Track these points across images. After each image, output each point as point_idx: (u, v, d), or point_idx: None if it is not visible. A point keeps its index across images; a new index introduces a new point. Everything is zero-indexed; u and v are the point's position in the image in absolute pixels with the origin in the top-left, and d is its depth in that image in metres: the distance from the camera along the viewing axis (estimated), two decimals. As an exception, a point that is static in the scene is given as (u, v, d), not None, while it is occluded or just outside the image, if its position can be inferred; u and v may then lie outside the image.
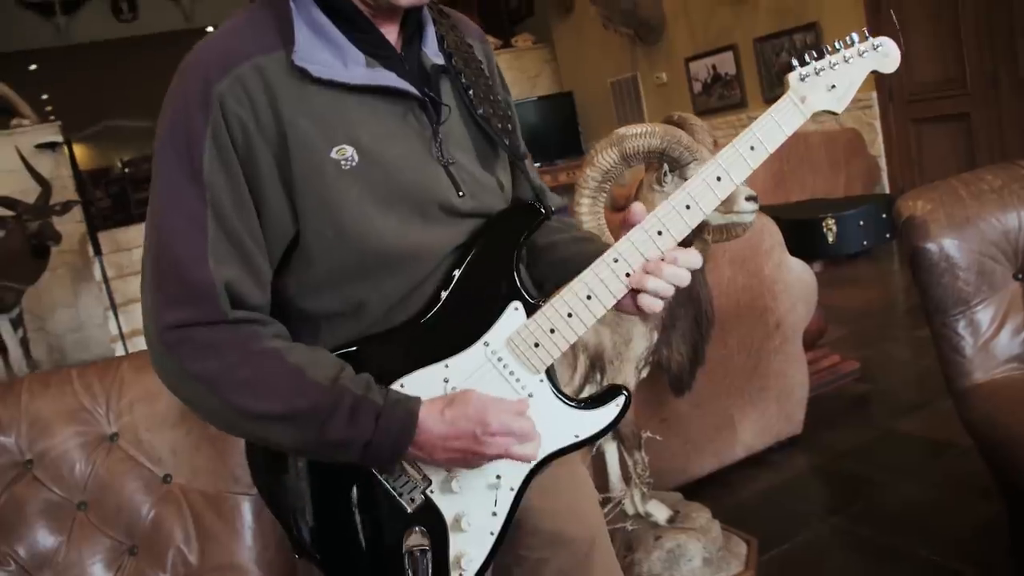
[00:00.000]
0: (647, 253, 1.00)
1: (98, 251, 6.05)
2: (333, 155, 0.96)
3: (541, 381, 1.03)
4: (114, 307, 5.95)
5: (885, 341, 3.89)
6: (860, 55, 1.04)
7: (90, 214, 6.56)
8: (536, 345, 1.01)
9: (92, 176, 13.49)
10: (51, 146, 7.40)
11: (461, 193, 1.04)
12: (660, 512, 2.17)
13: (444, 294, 1.02)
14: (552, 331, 1.01)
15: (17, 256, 5.75)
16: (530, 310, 1.02)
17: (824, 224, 2.86)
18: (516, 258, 1.04)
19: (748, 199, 1.83)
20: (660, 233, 1.00)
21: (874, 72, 1.08)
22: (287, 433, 0.94)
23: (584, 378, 1.99)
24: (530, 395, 1.03)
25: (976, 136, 5.00)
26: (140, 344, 6.14)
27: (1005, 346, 1.77)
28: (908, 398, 3.19)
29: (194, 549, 1.53)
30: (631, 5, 7.21)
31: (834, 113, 1.06)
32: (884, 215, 2.93)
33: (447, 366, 1.01)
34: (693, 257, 1.01)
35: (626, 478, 2.18)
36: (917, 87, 5.31)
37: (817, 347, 3.43)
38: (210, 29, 13.15)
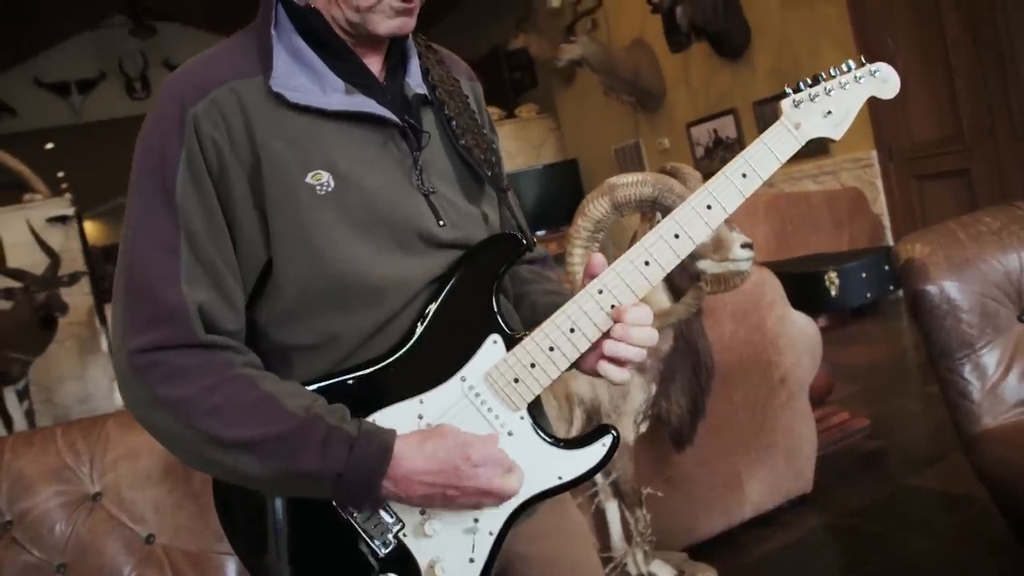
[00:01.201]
0: (633, 284, 0.97)
1: (104, 321, 6.05)
2: (308, 180, 0.94)
3: (522, 418, 0.99)
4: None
5: (895, 397, 3.81)
6: (857, 81, 1.03)
7: (99, 286, 6.58)
8: (516, 380, 0.97)
9: (104, 252, 13.65)
10: (62, 219, 7.49)
11: (442, 222, 1.01)
12: (664, 573, 2.10)
13: (420, 327, 0.98)
14: (533, 365, 0.97)
15: (25, 327, 5.77)
16: (509, 344, 0.98)
17: (826, 277, 2.83)
18: (495, 289, 1.00)
19: (743, 246, 1.82)
20: (647, 263, 0.97)
21: (876, 100, 1.06)
22: (256, 463, 0.90)
23: (581, 431, 1.95)
24: (509, 433, 0.98)
25: (977, 190, 5.00)
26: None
27: (1013, 389, 1.73)
28: (921, 453, 3.11)
29: (176, 612, 1.48)
30: (632, 75, 7.33)
31: (832, 140, 1.04)
32: (887, 267, 2.91)
33: (422, 402, 0.97)
34: (641, 313, 0.97)
35: (628, 537, 2.11)
36: (917, 145, 5.34)
37: (825, 404, 3.36)
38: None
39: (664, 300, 1.88)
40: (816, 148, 6.09)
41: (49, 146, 12.85)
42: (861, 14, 5.40)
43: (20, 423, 6.07)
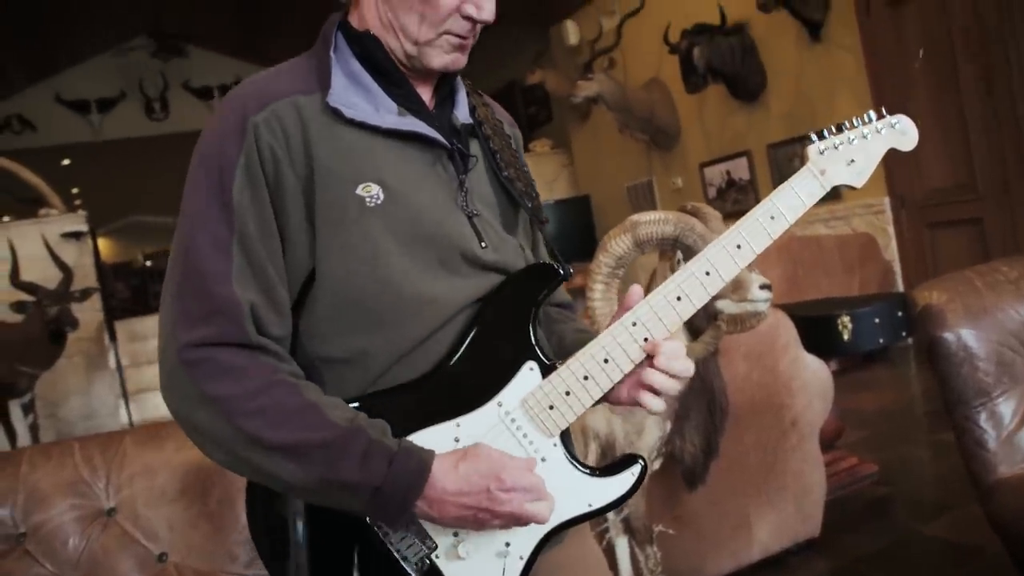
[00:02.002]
0: (665, 318, 0.99)
1: (113, 337, 6.08)
2: (358, 192, 0.97)
3: (555, 445, 1.00)
4: (125, 396, 5.93)
5: (904, 444, 3.80)
6: (878, 132, 1.06)
7: (109, 303, 6.62)
8: (551, 407, 0.99)
9: (115, 269, 13.73)
10: (76, 235, 7.55)
11: (484, 244, 1.04)
12: (673, 612, 2.08)
13: (459, 349, 1.00)
14: (567, 393, 0.99)
15: (35, 341, 5.79)
16: (545, 371, 1.00)
17: (839, 321, 2.83)
18: (533, 318, 1.02)
19: (762, 287, 1.83)
20: (679, 299, 0.99)
21: (892, 150, 1.09)
22: (296, 469, 0.91)
23: (595, 464, 1.95)
24: (543, 459, 1.00)
25: (990, 240, 5.01)
26: (149, 433, 6.11)
27: (1029, 441, 1.73)
28: (929, 501, 3.09)
29: (186, 631, 1.48)
30: (648, 113, 7.40)
31: (853, 187, 1.06)
32: (900, 313, 2.91)
33: (458, 425, 0.99)
34: (675, 347, 0.99)
35: (637, 573, 2.10)
36: (930, 193, 5.36)
37: (835, 448, 3.35)
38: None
39: (682, 339, 1.89)
40: (829, 193, 6.10)
41: (66, 162, 13.00)
42: (877, 62, 5.46)
43: (24, 437, 6.07)
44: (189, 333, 0.92)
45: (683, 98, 7.19)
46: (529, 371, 1.00)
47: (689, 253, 1.85)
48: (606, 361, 0.99)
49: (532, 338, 1.01)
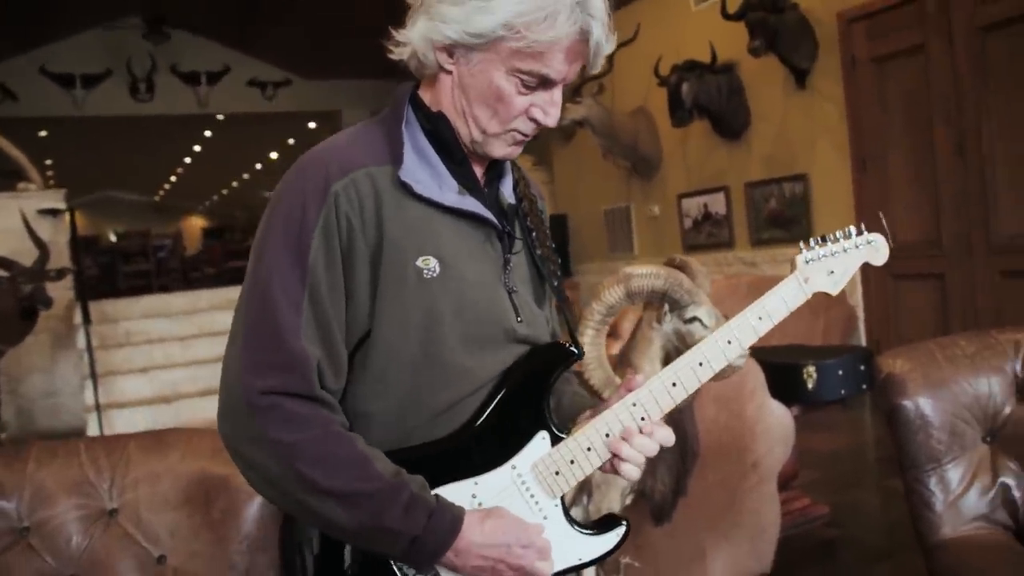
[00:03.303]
0: (661, 401, 1.11)
1: (88, 320, 6.06)
2: (418, 263, 1.07)
3: (556, 505, 1.12)
4: (94, 377, 5.92)
5: (855, 488, 3.96)
6: (856, 247, 1.19)
7: (81, 283, 6.60)
8: (557, 473, 1.11)
9: (82, 243, 13.59)
10: (53, 212, 7.51)
11: (520, 319, 1.15)
12: (630, 640, 2.20)
13: (482, 415, 1.11)
14: (572, 462, 1.11)
15: (6, 317, 5.76)
16: (554, 440, 1.12)
17: (805, 371, 2.98)
18: (547, 393, 1.13)
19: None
20: (674, 384, 1.12)
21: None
22: (344, 513, 1.01)
23: (571, 500, 2.06)
24: (545, 517, 1.11)
25: (949, 295, 5.21)
26: (115, 417, 6.09)
27: (973, 505, 1.86)
28: (875, 547, 3.24)
29: (180, 633, 1.56)
30: (632, 141, 7.55)
31: (828, 295, 1.18)
32: (862, 367, 3.06)
33: (476, 483, 1.10)
34: (667, 434, 1.12)
35: (599, 602, 2.21)
36: (897, 245, 5.47)
37: (790, 489, 3.49)
38: (220, 117, 13.54)
39: (643, 376, 2.01)
40: (800, 234, 6.31)
41: (42, 133, 12.85)
42: (858, 115, 5.65)
43: (-15, 412, 6.04)
44: (260, 380, 1.01)
45: (668, 130, 7.35)
46: (541, 440, 1.12)
47: (676, 306, 1.97)
48: (607, 435, 1.11)
49: (545, 411, 1.13)
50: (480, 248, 1.14)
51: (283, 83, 12.52)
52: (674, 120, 6.84)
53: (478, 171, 1.18)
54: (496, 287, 1.14)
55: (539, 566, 1.07)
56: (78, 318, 6.79)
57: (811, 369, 2.98)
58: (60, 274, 6.11)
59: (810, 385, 2.98)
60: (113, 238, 19.62)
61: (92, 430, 5.88)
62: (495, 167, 1.21)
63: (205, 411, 6.45)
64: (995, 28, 4.71)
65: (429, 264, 1.07)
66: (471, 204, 1.12)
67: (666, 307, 1.99)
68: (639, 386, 1.13)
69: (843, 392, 3.02)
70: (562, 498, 1.13)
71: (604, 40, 1.10)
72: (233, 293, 8.18)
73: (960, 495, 1.86)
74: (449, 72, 1.11)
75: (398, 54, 1.14)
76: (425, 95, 1.17)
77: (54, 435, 7.09)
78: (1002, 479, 1.85)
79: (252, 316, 1.05)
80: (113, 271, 11.03)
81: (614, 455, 1.12)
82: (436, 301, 1.08)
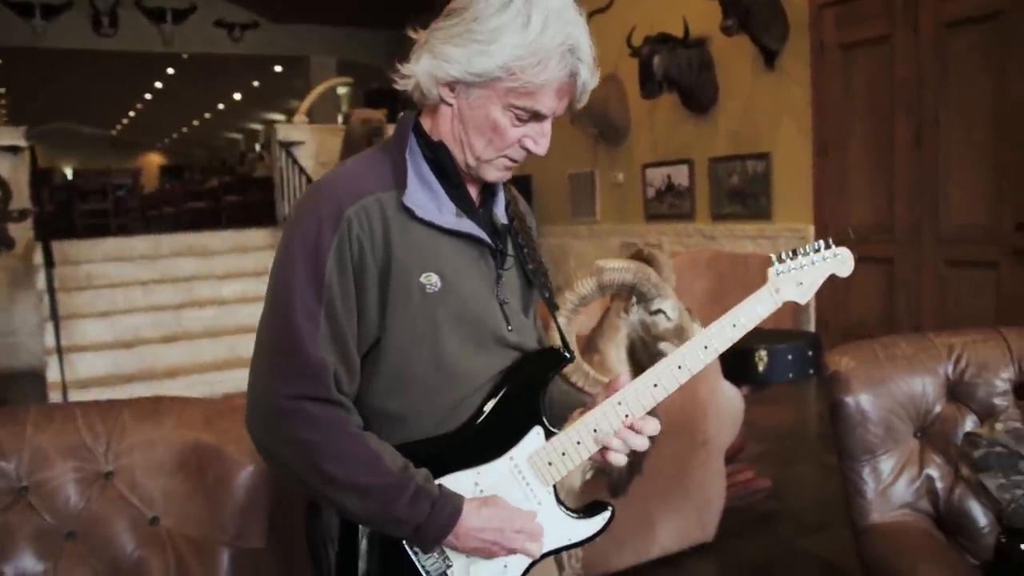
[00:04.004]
0: (643, 401, 1.24)
1: (51, 263, 6.03)
2: (421, 280, 1.19)
3: (549, 492, 1.27)
4: (56, 319, 5.91)
5: (796, 462, 4.19)
6: (824, 260, 1.31)
7: (43, 224, 6.55)
8: (550, 463, 1.25)
9: (41, 175, 13.25)
10: (13, 150, 7.40)
11: (510, 327, 1.28)
12: (583, 603, 2.37)
13: (483, 413, 1.25)
14: (563, 454, 1.25)
15: (-33, 258, 5.73)
16: (548, 435, 1.26)
17: (757, 355, 3.15)
18: (542, 392, 1.27)
19: (700, 335, 2.09)
20: (655, 385, 1.25)
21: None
22: (359, 502, 1.15)
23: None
24: (539, 502, 1.26)
25: (897, 280, 5.44)
26: (76, 360, 6.10)
27: (900, 493, 2.04)
28: (811, 520, 3.47)
29: (173, 590, 1.67)
30: (601, 108, 7.63)
31: (797, 303, 1.31)
32: (810, 353, 3.24)
33: (478, 472, 1.24)
34: (654, 426, 1.26)
35: (559, 564, 2.37)
36: (852, 228, 5.76)
37: (735, 462, 3.69)
38: (185, 55, 13.27)
39: (627, 376, 2.15)
40: (759, 211, 6.50)
41: (-1, 62, 12.50)
42: (823, 100, 5.81)
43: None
44: (285, 386, 1.14)
45: (637, 100, 7.43)
46: (536, 434, 1.26)
47: (643, 299, 2.10)
48: (595, 431, 1.25)
49: (540, 408, 1.27)
50: (475, 265, 1.26)
51: (250, 25, 12.31)
52: (644, 92, 6.93)
53: (473, 192, 1.30)
54: (490, 299, 1.27)
55: (529, 547, 1.22)
56: (38, 258, 6.74)
57: (762, 353, 3.15)
58: (22, 215, 6.09)
59: (760, 368, 3.15)
60: (68, 172, 19.18)
61: (52, 373, 5.90)
62: (489, 187, 1.32)
63: (167, 357, 6.49)
64: (958, 24, 4.87)
65: (431, 280, 1.20)
66: (467, 226, 1.24)
67: (634, 299, 2.12)
68: (623, 386, 1.26)
69: (791, 376, 3.20)
70: (554, 485, 1.27)
71: (589, 79, 1.22)
72: (194, 239, 8.16)
73: (889, 484, 2.04)
74: (450, 104, 1.22)
75: (402, 85, 1.24)
76: (426, 122, 1.27)
77: (12, 375, 7.08)
78: (927, 471, 2.03)
79: (275, 329, 1.17)
80: (70, 209, 10.82)
81: (604, 446, 1.25)
82: (437, 313, 1.20)
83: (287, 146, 8.40)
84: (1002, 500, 1.62)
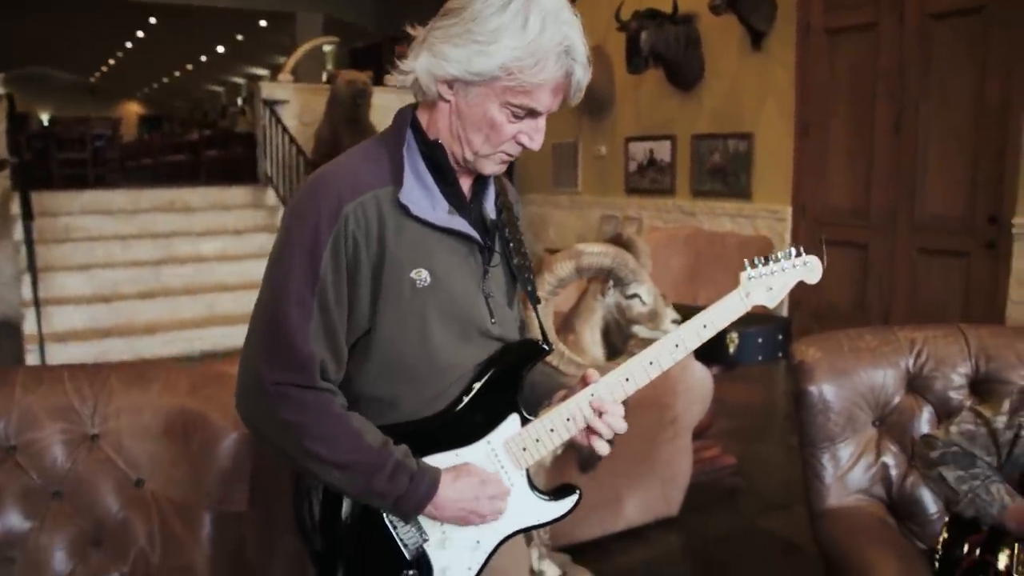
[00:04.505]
0: (615, 393, 1.31)
1: (29, 215, 5.99)
2: (412, 275, 1.25)
3: (521, 475, 1.34)
4: (34, 272, 5.89)
5: (761, 441, 4.31)
6: (793, 267, 1.37)
7: (22, 174, 6.48)
8: (524, 449, 1.33)
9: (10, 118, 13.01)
10: (-11, 97, 7.30)
11: (494, 320, 1.34)
12: (551, 571, 2.47)
13: (464, 399, 1.32)
14: (537, 440, 1.32)
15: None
16: (524, 422, 1.33)
17: (728, 336, 3.23)
18: (519, 381, 1.34)
19: (673, 321, 2.17)
20: (627, 380, 1.32)
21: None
22: (341, 477, 1.23)
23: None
24: (512, 484, 1.33)
25: (871, 265, 5.55)
26: (53, 314, 6.09)
27: (857, 479, 2.14)
28: (774, 498, 3.59)
29: (156, 550, 1.73)
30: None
31: (766, 308, 1.38)
32: (780, 336, 3.34)
33: (457, 455, 1.31)
34: (619, 424, 1.33)
35: (528, 538, 2.46)
36: (829, 211, 5.85)
37: (703, 438, 3.80)
38: (169, 5, 13.04)
39: (600, 356, 2.22)
40: (740, 191, 6.57)
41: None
42: (807, 83, 5.87)
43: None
44: (273, 373, 1.21)
45: (622, 73, 7.43)
46: (512, 421, 1.33)
47: (619, 283, 2.17)
48: (568, 420, 1.32)
49: (517, 397, 1.34)
50: (464, 261, 1.32)
51: (237, -23, 12.10)
52: (630, 66, 6.95)
53: (466, 185, 1.35)
54: (476, 294, 1.33)
55: (499, 506, 1.31)
56: (15, 208, 6.68)
57: (734, 335, 3.24)
58: (1, 166, 6.02)
59: (731, 349, 3.24)
60: (44, 118, 18.86)
61: (29, 325, 5.89)
62: (480, 180, 1.37)
63: (145, 313, 6.50)
64: (944, 16, 4.93)
65: (422, 275, 1.25)
66: (458, 224, 1.29)
67: (611, 282, 2.18)
68: (595, 380, 1.32)
69: (760, 358, 3.29)
70: (527, 470, 1.34)
71: (583, 78, 1.27)
72: (174, 195, 8.10)
73: (847, 471, 2.13)
74: (448, 101, 1.26)
75: (401, 81, 1.28)
76: (423, 116, 1.31)
77: (-13, 325, 7.05)
78: (883, 459, 2.13)
79: (268, 316, 1.23)
80: (47, 158, 10.68)
81: (591, 432, 1.32)
82: (426, 307, 1.26)
83: (271, 104, 8.33)
84: (959, 491, 1.71)
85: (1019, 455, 1.71)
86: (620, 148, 7.90)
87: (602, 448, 1.34)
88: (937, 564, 1.77)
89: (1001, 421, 1.73)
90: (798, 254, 1.38)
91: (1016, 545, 1.60)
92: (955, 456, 1.74)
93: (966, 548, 1.72)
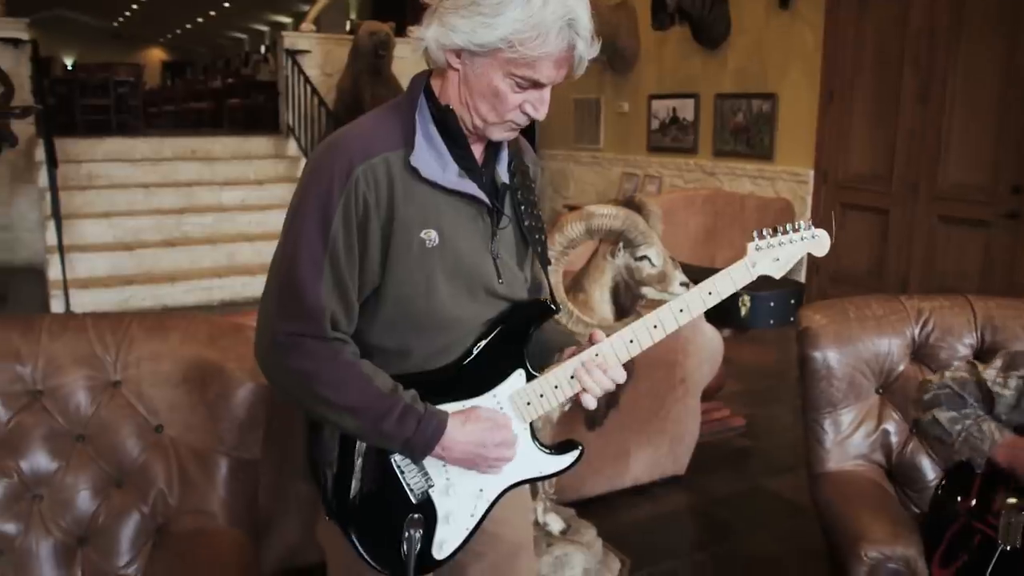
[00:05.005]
0: (619, 354, 1.35)
1: (54, 162, 6.06)
2: (422, 235, 1.29)
3: (525, 429, 1.39)
4: (58, 219, 5.98)
5: (771, 404, 4.35)
6: (801, 239, 1.38)
7: (48, 121, 6.53)
8: (528, 403, 1.37)
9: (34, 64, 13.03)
10: (15, 43, 7.33)
11: (501, 280, 1.38)
12: (555, 524, 2.54)
13: (471, 353, 1.37)
14: (541, 395, 1.37)
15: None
16: (529, 378, 1.38)
17: (740, 299, 3.26)
18: (526, 339, 1.39)
19: (682, 284, 2.20)
20: (632, 341, 1.35)
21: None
22: (352, 421, 1.29)
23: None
24: (516, 436, 1.38)
25: (891, 232, 5.52)
26: (76, 260, 6.20)
27: (857, 445, 2.18)
28: (780, 460, 3.64)
29: (175, 492, 1.81)
30: (611, 35, 7.54)
31: (772, 278, 1.40)
32: (792, 301, 3.36)
33: (464, 406, 1.36)
34: (621, 374, 1.36)
35: (534, 491, 2.53)
36: (850, 176, 5.81)
37: (713, 399, 3.84)
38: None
39: (608, 315, 2.26)
40: (762, 152, 6.52)
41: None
42: (834, 47, 5.79)
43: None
44: (284, 325, 1.27)
45: (647, 30, 7.36)
46: (518, 376, 1.38)
47: (629, 245, 2.20)
48: (572, 377, 1.36)
49: (523, 353, 1.38)
50: (472, 222, 1.35)
51: (261, -77, 11.97)
52: (655, 22, 6.88)
53: (478, 150, 1.38)
54: (483, 254, 1.37)
55: (506, 454, 1.36)
56: (39, 155, 6.76)
57: (746, 299, 3.26)
58: (26, 112, 6.08)
59: (743, 313, 3.27)
60: (68, 63, 18.88)
61: (53, 271, 6.00)
62: (494, 145, 1.40)
63: (166, 262, 6.60)
64: (976, -19, 4.84)
65: (431, 236, 1.30)
66: (468, 186, 1.33)
67: (620, 244, 2.21)
68: (601, 340, 1.36)
69: (771, 322, 3.32)
70: (531, 423, 1.39)
71: (586, 52, 1.29)
72: (197, 143, 8.14)
73: (848, 436, 2.17)
74: (456, 70, 1.30)
75: (415, 48, 1.31)
76: (436, 83, 1.35)
77: (10, 269, 7.19)
78: (884, 426, 2.17)
79: (283, 271, 1.28)
80: (71, 104, 10.72)
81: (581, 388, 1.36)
82: (435, 266, 1.31)
83: (293, 54, 8.32)
84: (953, 432, 1.78)
85: (1001, 412, 1.80)
86: (643, 106, 7.84)
87: (590, 403, 1.37)
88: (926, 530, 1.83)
89: (990, 374, 1.82)
90: (807, 227, 1.39)
91: (1004, 511, 1.64)
92: (948, 397, 1.82)
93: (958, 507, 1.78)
